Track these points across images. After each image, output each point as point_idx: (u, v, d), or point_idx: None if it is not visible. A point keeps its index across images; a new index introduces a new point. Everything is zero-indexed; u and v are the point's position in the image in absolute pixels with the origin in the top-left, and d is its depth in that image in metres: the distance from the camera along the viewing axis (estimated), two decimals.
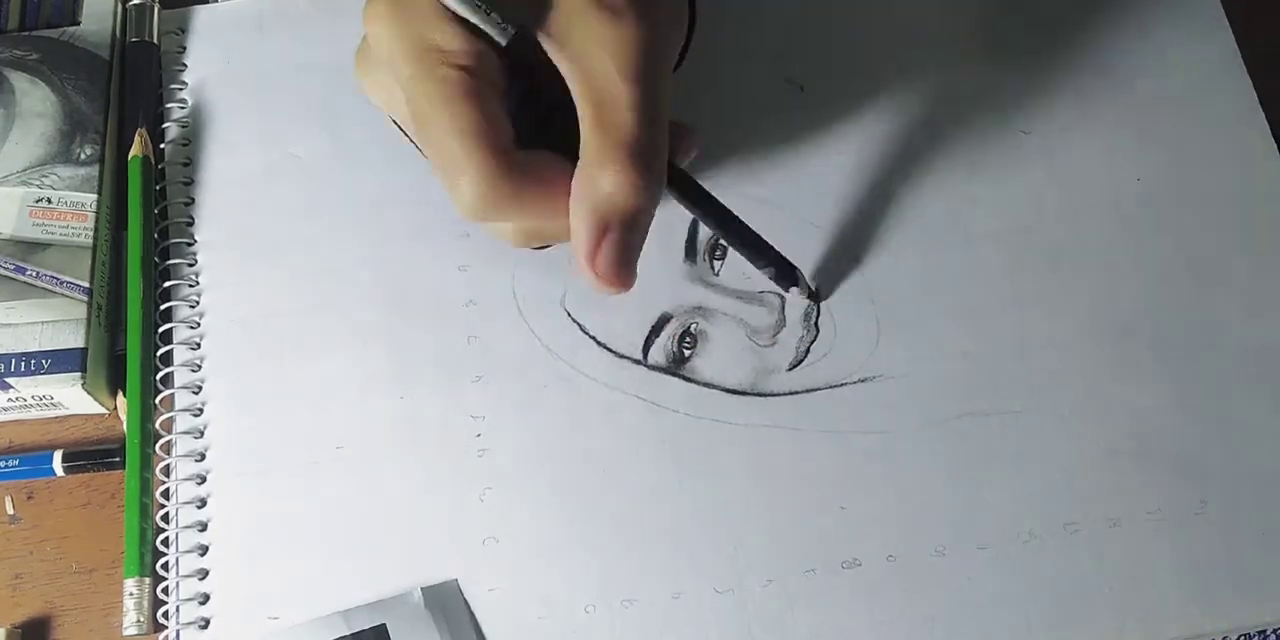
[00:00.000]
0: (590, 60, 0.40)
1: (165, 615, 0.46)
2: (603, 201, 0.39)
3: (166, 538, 0.48)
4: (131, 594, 0.47)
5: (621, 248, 0.40)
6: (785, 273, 0.48)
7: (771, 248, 0.47)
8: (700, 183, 0.46)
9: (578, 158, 0.40)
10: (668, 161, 0.42)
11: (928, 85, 0.53)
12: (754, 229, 0.47)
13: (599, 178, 0.39)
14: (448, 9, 0.39)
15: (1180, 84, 0.52)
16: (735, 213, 0.46)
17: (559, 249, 0.51)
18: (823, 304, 0.49)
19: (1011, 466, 0.47)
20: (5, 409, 0.50)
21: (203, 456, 0.49)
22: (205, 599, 0.47)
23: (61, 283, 0.50)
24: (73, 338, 0.49)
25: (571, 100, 0.40)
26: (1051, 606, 0.45)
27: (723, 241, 0.50)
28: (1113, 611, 0.45)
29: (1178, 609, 0.45)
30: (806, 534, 0.46)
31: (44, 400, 0.49)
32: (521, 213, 0.40)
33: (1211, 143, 0.51)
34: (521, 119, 0.40)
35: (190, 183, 0.54)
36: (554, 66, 0.40)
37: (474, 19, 0.39)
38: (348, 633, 0.45)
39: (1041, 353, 0.48)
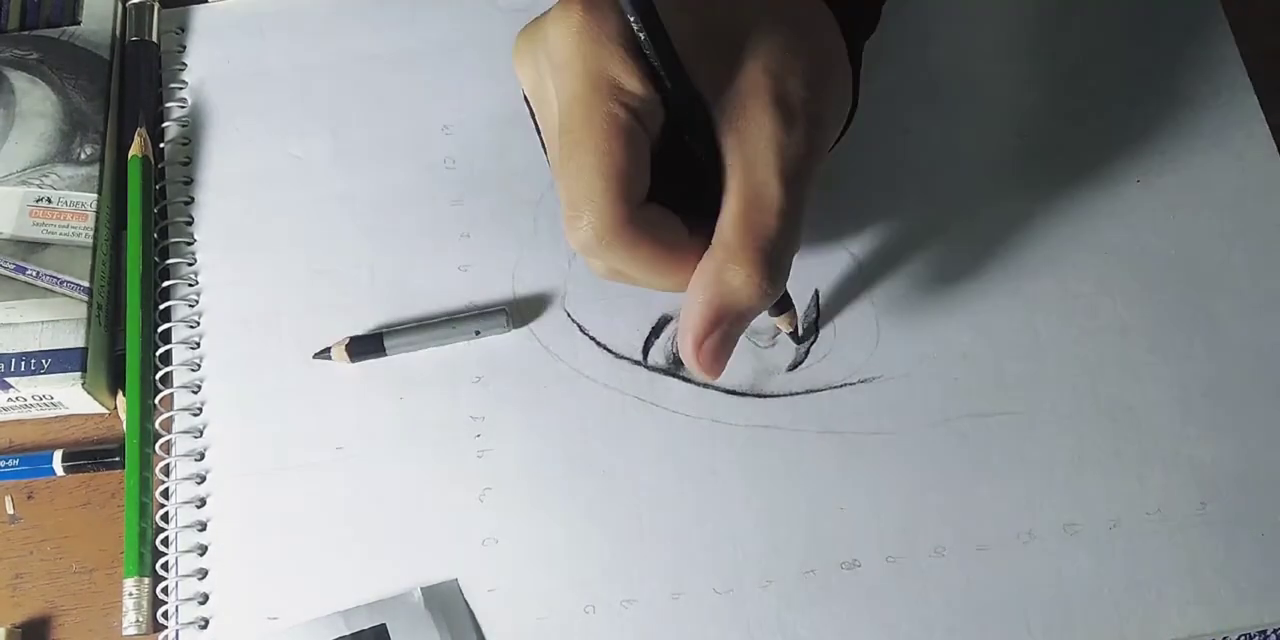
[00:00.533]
0: (755, 153, 0.39)
1: (165, 615, 0.46)
2: (726, 294, 0.40)
3: (166, 537, 0.48)
4: (131, 594, 0.47)
5: (727, 340, 0.41)
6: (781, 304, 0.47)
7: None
8: None
9: (694, 223, 0.40)
10: None
11: (924, 85, 0.53)
12: None
13: (730, 271, 0.39)
14: (641, 50, 0.39)
15: (1180, 85, 0.52)
16: None
17: (560, 249, 0.51)
18: (822, 305, 0.49)
19: (1011, 467, 0.47)
20: (5, 409, 0.50)
21: (202, 456, 0.49)
22: (205, 599, 0.47)
23: (62, 282, 0.50)
24: (73, 337, 0.49)
25: (710, 168, 0.40)
26: (1051, 607, 0.45)
27: None
28: (1112, 612, 0.45)
29: (1177, 610, 0.45)
30: (806, 535, 0.46)
31: (44, 400, 0.49)
32: (629, 264, 0.40)
33: (1211, 144, 0.51)
34: (660, 166, 0.40)
35: (190, 182, 0.54)
36: (705, 133, 0.40)
37: (664, 71, 0.39)
38: (347, 633, 0.45)
39: (1041, 354, 0.48)
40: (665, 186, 0.40)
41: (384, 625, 0.45)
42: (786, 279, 0.41)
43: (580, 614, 0.46)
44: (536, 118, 0.43)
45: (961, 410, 0.48)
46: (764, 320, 0.49)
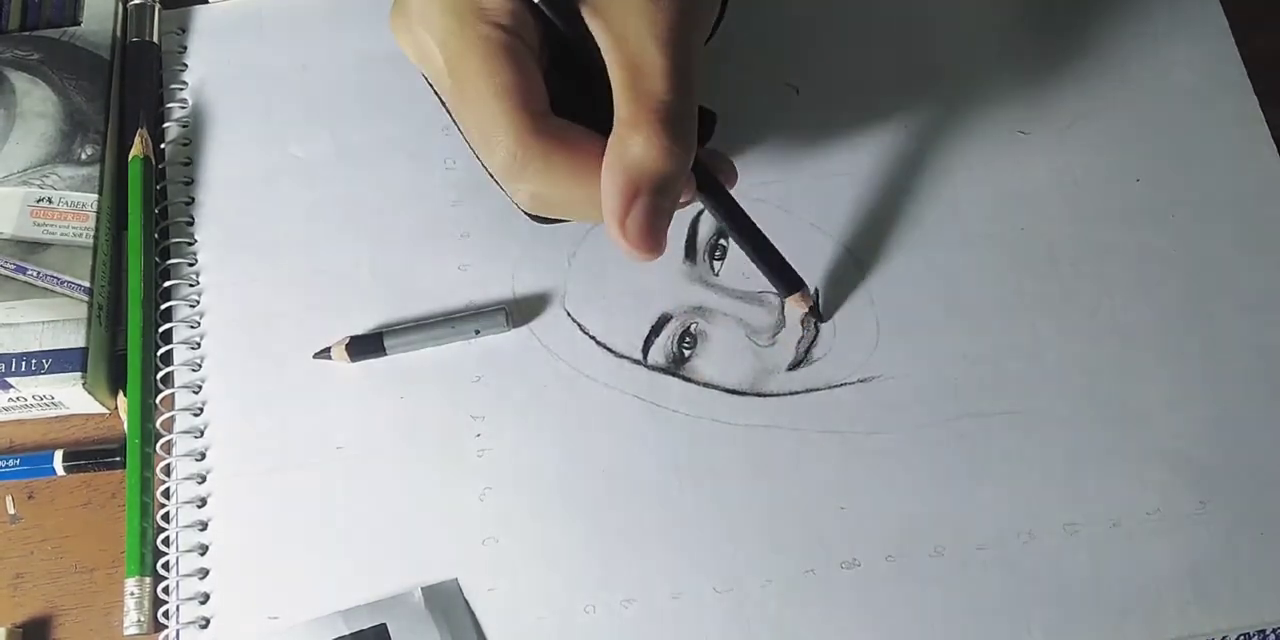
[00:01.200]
0: (626, 27, 0.39)
1: (166, 614, 0.47)
2: (633, 165, 0.39)
3: (167, 537, 0.48)
4: (132, 593, 0.47)
5: (651, 211, 0.40)
6: (793, 284, 0.48)
7: (784, 260, 0.47)
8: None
9: (608, 127, 0.40)
10: (704, 169, 0.42)
11: (928, 87, 0.53)
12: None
13: (630, 141, 0.39)
14: None
15: (1180, 85, 0.52)
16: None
17: (559, 249, 0.51)
18: (822, 304, 0.49)
19: (1010, 467, 0.47)
20: (6, 409, 0.50)
21: (203, 456, 0.49)
22: (205, 598, 0.47)
23: (62, 282, 0.50)
24: (73, 337, 0.49)
25: (602, 67, 0.40)
26: (1050, 607, 0.45)
27: (722, 242, 0.50)
28: (1112, 612, 0.45)
29: (1176, 609, 0.45)
30: (806, 534, 0.46)
31: (45, 400, 0.49)
32: (550, 176, 0.40)
33: (1211, 143, 0.51)
34: (553, 83, 0.40)
35: (190, 182, 0.54)
36: (587, 32, 0.40)
37: None
38: (347, 632, 0.45)
39: (1041, 353, 0.48)
40: (573, 97, 0.40)
41: (384, 625, 0.45)
42: (693, 145, 0.40)
43: (580, 614, 0.46)
44: (431, 83, 0.43)
45: (961, 410, 0.48)
46: (764, 320, 0.50)
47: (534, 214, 0.43)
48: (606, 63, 0.40)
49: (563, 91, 0.40)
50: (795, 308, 0.48)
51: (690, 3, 0.40)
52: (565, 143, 0.40)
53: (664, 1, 0.40)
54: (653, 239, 0.40)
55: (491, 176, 0.42)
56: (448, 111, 0.43)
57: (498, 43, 0.39)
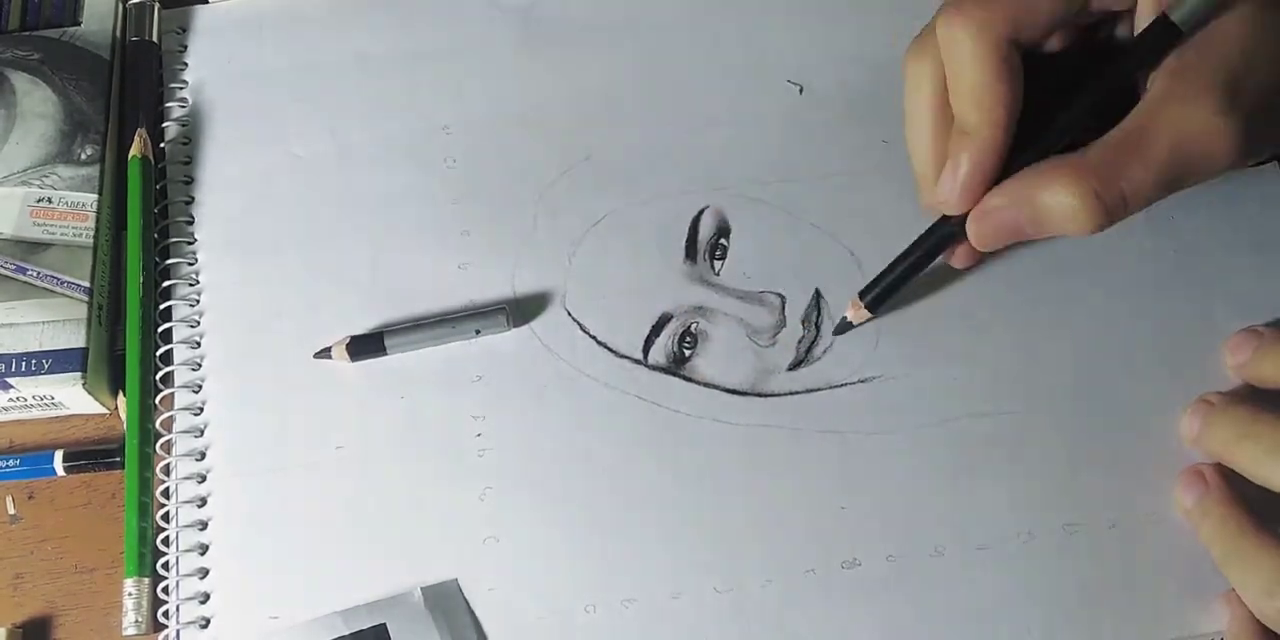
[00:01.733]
0: (1178, 121, 0.41)
1: (165, 614, 0.46)
2: (1054, 207, 0.42)
3: (167, 537, 0.48)
4: (130, 594, 0.47)
5: (1016, 235, 0.43)
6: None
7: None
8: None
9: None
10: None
11: None
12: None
13: (1079, 185, 0.41)
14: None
15: None
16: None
17: (560, 248, 0.51)
18: (823, 304, 0.49)
19: (1010, 467, 0.47)
20: (6, 409, 0.50)
21: (203, 455, 0.49)
22: (205, 598, 0.47)
23: (62, 283, 0.50)
24: (73, 337, 0.49)
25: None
26: (1050, 606, 0.45)
27: (723, 242, 0.50)
28: (1111, 611, 0.45)
29: (1176, 609, 0.45)
30: (806, 534, 0.46)
31: (45, 400, 0.49)
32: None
33: None
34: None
35: (190, 182, 0.54)
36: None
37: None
38: (347, 632, 0.45)
39: (1040, 354, 0.48)
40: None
41: (384, 625, 0.45)
42: (1102, 225, 0.42)
43: (581, 613, 0.46)
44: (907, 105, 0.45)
45: (961, 410, 0.48)
46: (764, 319, 0.50)
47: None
48: (1128, 121, 0.41)
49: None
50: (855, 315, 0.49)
51: (1246, 137, 0.41)
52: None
53: (1236, 122, 0.40)
54: (994, 241, 0.44)
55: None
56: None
57: (1008, 62, 0.41)
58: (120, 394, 0.50)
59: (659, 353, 0.49)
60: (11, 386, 0.48)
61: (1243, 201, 0.50)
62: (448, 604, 0.46)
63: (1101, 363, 0.48)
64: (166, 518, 0.48)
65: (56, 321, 0.49)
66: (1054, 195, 0.41)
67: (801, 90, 0.53)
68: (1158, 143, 0.40)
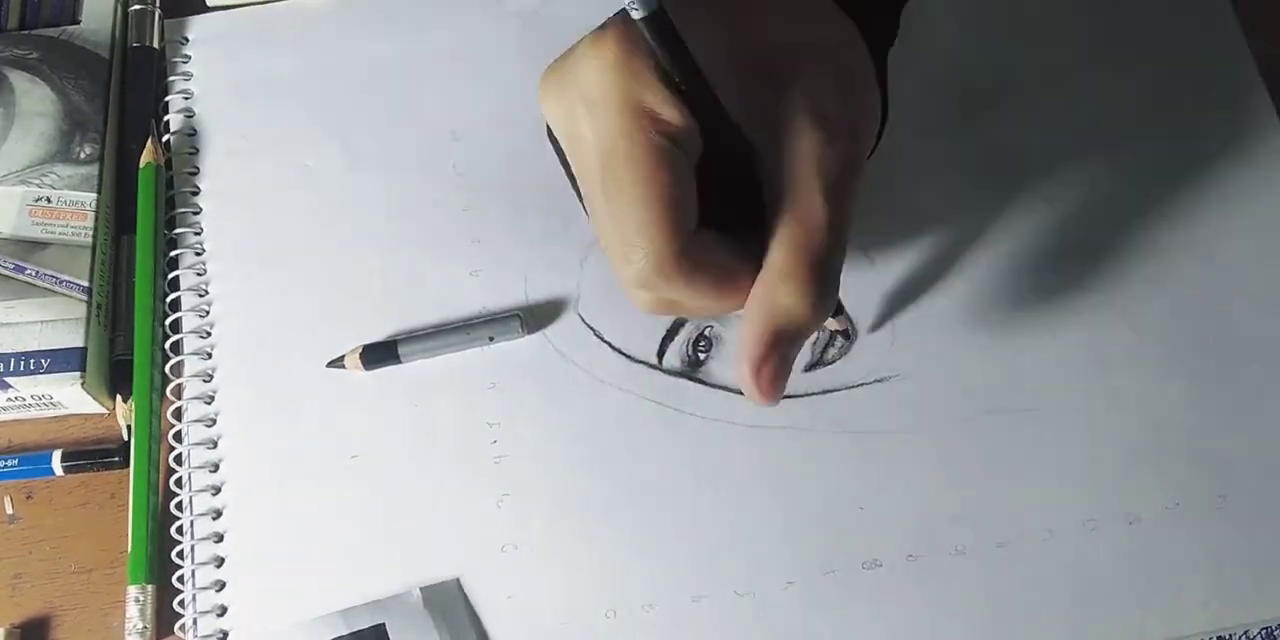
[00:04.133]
0: (797, 174, 0.39)
1: (183, 628, 0.46)
2: (782, 316, 0.40)
3: (181, 550, 0.47)
4: (137, 599, 0.45)
5: (784, 363, 0.41)
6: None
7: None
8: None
9: (742, 242, 0.40)
10: None
11: (936, 86, 0.54)
12: None
13: (782, 292, 0.39)
14: (674, 79, 0.39)
15: (1190, 80, 0.53)
16: None
17: (572, 254, 0.51)
18: (837, 304, 0.50)
19: (1029, 464, 0.47)
20: (5, 408, 0.49)
21: (216, 467, 0.48)
22: (223, 611, 0.46)
23: (61, 282, 0.49)
24: (72, 337, 0.48)
25: (742, 189, 0.41)
26: (1072, 603, 0.45)
27: None
28: (1133, 607, 0.45)
29: (1198, 604, 0.45)
30: (826, 535, 0.46)
31: (43, 400, 0.48)
32: (687, 293, 0.40)
33: (1224, 140, 0.52)
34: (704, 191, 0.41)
35: (198, 192, 0.53)
36: (745, 157, 0.41)
37: (698, 102, 0.39)
38: (346, 632, 0.45)
39: (1057, 350, 0.49)
40: (710, 209, 0.40)
41: (383, 625, 0.45)
42: (835, 299, 0.41)
43: (602, 619, 0.45)
44: (568, 156, 0.42)
45: (978, 408, 0.48)
46: None
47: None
48: (771, 203, 0.40)
49: (711, 200, 0.40)
50: (833, 328, 0.49)
51: (858, 154, 0.41)
52: (709, 263, 0.40)
53: (838, 153, 0.40)
54: (782, 387, 0.41)
55: (614, 262, 0.41)
56: (571, 180, 0.42)
57: (665, 154, 0.39)
58: (118, 398, 0.49)
59: (674, 357, 0.49)
60: (10, 386, 0.47)
61: (1256, 195, 0.51)
62: (447, 603, 0.45)
63: (1117, 358, 0.48)
64: (180, 531, 0.47)
65: (55, 321, 0.48)
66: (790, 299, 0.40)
67: None
68: (806, 204, 0.40)
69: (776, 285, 0.39)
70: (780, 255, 0.40)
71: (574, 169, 0.42)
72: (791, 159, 0.40)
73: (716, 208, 0.40)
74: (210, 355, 0.50)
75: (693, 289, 0.40)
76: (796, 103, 0.40)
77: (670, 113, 0.39)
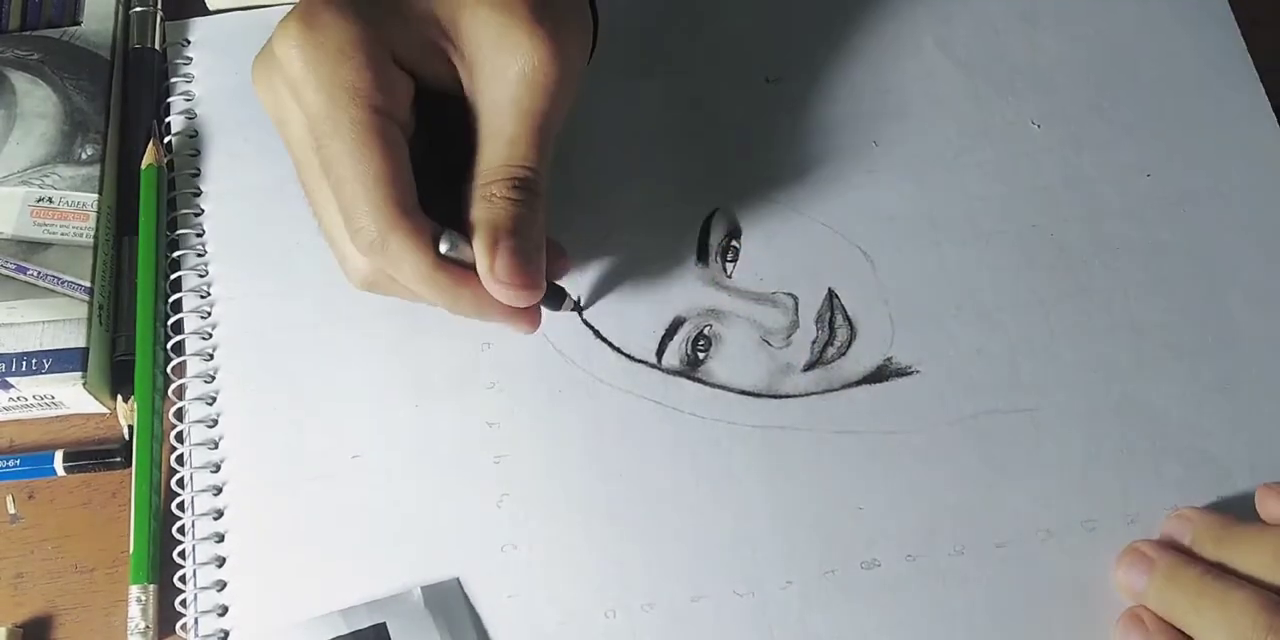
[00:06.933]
0: (500, 104, 0.43)
1: (184, 627, 0.46)
2: (491, 218, 0.42)
3: (183, 550, 0.47)
4: (139, 599, 0.46)
5: (514, 253, 0.42)
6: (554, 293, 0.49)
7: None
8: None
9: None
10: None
11: (937, 85, 0.54)
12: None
13: (488, 193, 0.42)
14: (359, 44, 0.41)
15: (1190, 81, 0.53)
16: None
17: (572, 253, 0.50)
18: (837, 304, 0.50)
19: (1028, 464, 0.47)
20: (6, 408, 0.49)
21: (217, 468, 0.48)
22: (224, 611, 0.46)
23: (63, 282, 0.49)
24: (74, 337, 0.48)
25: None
26: (1071, 604, 0.45)
27: (734, 244, 0.51)
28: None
29: None
30: (825, 535, 0.46)
31: (45, 400, 0.48)
32: (404, 269, 0.42)
33: (1221, 138, 0.52)
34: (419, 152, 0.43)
35: (200, 193, 0.53)
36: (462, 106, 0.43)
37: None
38: (346, 631, 0.45)
39: (1056, 350, 0.49)
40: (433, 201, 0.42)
41: (383, 624, 0.45)
42: (543, 198, 0.43)
43: (601, 619, 0.45)
44: (283, 141, 0.44)
45: (977, 408, 0.48)
46: (778, 321, 0.50)
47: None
48: (476, 129, 0.43)
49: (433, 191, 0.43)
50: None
51: (561, 96, 0.43)
52: (427, 240, 0.41)
53: (539, 90, 0.42)
54: (524, 275, 0.42)
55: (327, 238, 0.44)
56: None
57: (370, 128, 0.41)
58: (120, 398, 0.49)
59: (673, 356, 0.49)
60: (12, 386, 0.47)
61: (1254, 193, 0.51)
62: (447, 603, 0.45)
63: (1116, 358, 0.49)
64: (182, 531, 0.47)
65: (57, 321, 0.49)
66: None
67: (769, 80, 0.54)
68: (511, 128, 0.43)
69: (482, 191, 0.42)
70: (485, 162, 0.42)
71: (289, 152, 0.44)
72: (494, 94, 0.43)
73: (439, 199, 0.43)
74: (212, 356, 0.50)
75: (409, 265, 0.41)
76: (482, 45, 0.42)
77: (363, 78, 0.40)
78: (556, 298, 0.48)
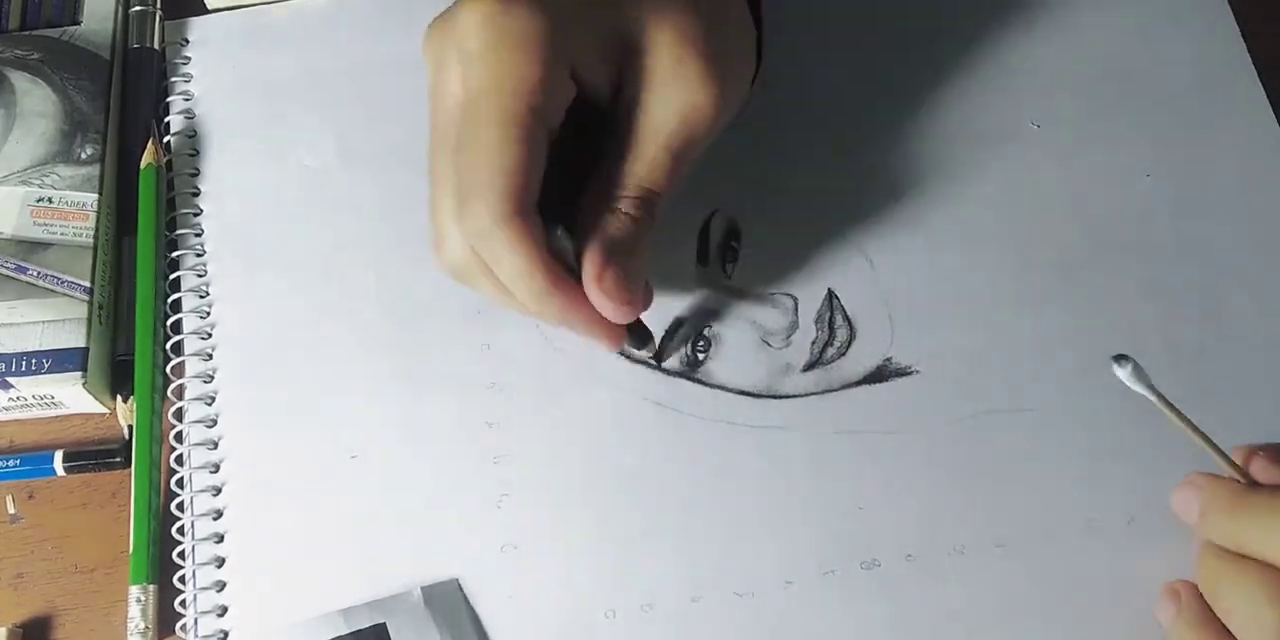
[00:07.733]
0: (651, 126, 0.43)
1: (184, 628, 0.46)
2: (609, 236, 0.43)
3: (182, 550, 0.47)
4: (139, 599, 0.46)
5: (626, 266, 0.43)
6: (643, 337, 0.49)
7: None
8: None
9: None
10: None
11: (937, 84, 0.54)
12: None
13: (613, 211, 0.43)
14: (551, 53, 0.41)
15: (1189, 80, 0.53)
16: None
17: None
18: (836, 305, 0.50)
19: (1027, 464, 0.47)
20: (6, 408, 0.49)
21: (217, 468, 0.48)
22: (223, 611, 0.46)
23: (63, 282, 0.49)
24: (74, 337, 0.48)
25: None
26: (1072, 603, 0.45)
27: (734, 244, 0.51)
28: (1134, 608, 0.45)
29: None
30: (825, 535, 0.46)
31: (45, 400, 0.48)
32: (503, 262, 0.42)
33: (1220, 139, 0.52)
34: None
35: (198, 194, 0.53)
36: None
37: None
38: (346, 631, 0.45)
39: (1055, 350, 0.49)
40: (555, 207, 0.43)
41: (384, 624, 0.45)
42: (653, 224, 0.44)
43: (601, 619, 0.45)
44: (430, 101, 0.44)
45: (977, 408, 0.48)
46: (778, 321, 0.50)
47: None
48: (618, 141, 0.44)
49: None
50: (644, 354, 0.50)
51: (721, 105, 0.44)
52: (538, 238, 0.41)
53: (692, 128, 0.44)
54: (629, 291, 0.43)
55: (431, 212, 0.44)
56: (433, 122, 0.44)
57: (521, 125, 0.41)
58: (119, 398, 0.49)
59: (673, 357, 0.49)
60: (11, 386, 0.47)
61: (1252, 194, 0.51)
62: (447, 603, 0.45)
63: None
64: (182, 531, 0.47)
65: (57, 321, 0.49)
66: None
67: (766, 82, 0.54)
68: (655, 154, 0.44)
69: (612, 200, 0.43)
70: (619, 181, 0.43)
71: (431, 117, 0.44)
72: (654, 109, 0.43)
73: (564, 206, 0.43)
74: (211, 356, 0.50)
75: (517, 254, 0.41)
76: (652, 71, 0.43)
77: (540, 83, 0.41)
78: (643, 337, 0.48)
